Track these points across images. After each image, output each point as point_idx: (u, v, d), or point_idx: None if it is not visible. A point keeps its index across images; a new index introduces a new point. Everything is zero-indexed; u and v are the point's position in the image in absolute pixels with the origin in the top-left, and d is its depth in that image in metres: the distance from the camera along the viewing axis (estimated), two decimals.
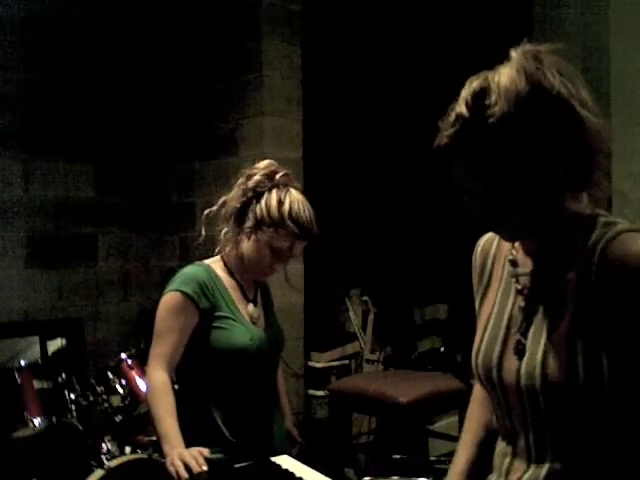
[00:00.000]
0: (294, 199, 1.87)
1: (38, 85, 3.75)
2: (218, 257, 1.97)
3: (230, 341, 1.85)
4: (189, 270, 1.90)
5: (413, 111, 4.11)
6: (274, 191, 1.87)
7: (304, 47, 3.82)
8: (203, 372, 1.88)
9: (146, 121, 4.11)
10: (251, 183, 1.88)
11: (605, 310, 1.02)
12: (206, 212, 1.95)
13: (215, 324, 1.85)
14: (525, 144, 1.02)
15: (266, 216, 1.84)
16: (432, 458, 3.21)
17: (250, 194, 1.87)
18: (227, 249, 1.95)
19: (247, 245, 1.89)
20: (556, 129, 1.01)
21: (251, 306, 1.95)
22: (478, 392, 1.38)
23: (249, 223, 1.87)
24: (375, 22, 4.20)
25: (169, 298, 1.84)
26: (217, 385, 1.88)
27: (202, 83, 4.03)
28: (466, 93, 1.05)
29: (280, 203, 1.85)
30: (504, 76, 1.03)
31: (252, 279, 2.01)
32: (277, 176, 1.89)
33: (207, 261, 1.96)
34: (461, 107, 1.04)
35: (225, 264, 1.95)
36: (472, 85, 1.05)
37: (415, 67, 4.16)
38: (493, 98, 1.01)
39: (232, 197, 1.91)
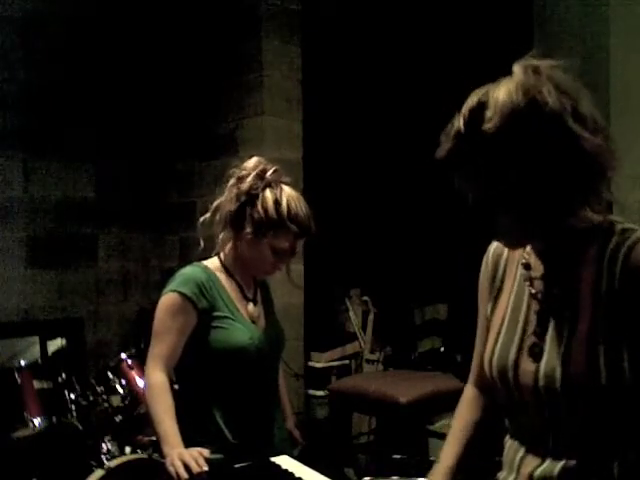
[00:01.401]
0: (289, 197, 1.86)
1: (38, 85, 3.75)
2: (216, 257, 1.98)
3: (230, 340, 1.85)
4: (187, 271, 1.90)
5: (413, 111, 4.11)
6: (267, 191, 1.85)
7: (304, 47, 3.83)
8: (203, 372, 1.88)
9: (146, 121, 4.11)
10: (243, 186, 1.85)
11: (628, 315, 1.05)
12: (201, 220, 1.93)
13: (214, 324, 1.85)
14: (518, 158, 1.04)
15: (265, 219, 1.83)
16: (432, 458, 3.20)
17: (244, 198, 1.85)
18: (225, 251, 1.95)
19: (248, 248, 1.89)
20: (548, 145, 1.03)
21: (251, 305, 1.95)
22: (469, 392, 1.39)
23: (248, 228, 1.85)
24: (375, 22, 4.19)
25: (167, 299, 1.83)
26: (217, 385, 1.88)
27: (202, 83, 4.03)
28: (465, 108, 1.07)
29: (277, 204, 1.84)
30: (502, 91, 1.05)
31: (252, 278, 2.01)
32: (267, 174, 1.87)
33: (205, 261, 1.96)
34: (459, 122, 1.07)
35: (223, 264, 1.95)
36: (472, 99, 1.07)
37: (415, 67, 4.16)
38: (489, 113, 1.03)
39: (225, 201, 1.88)
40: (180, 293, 1.82)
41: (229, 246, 1.94)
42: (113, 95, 4.01)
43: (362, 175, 4.31)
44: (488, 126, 1.03)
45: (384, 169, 4.34)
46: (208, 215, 1.92)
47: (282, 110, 3.73)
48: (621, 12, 2.88)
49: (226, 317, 1.87)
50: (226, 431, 1.84)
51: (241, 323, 1.89)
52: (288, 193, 1.87)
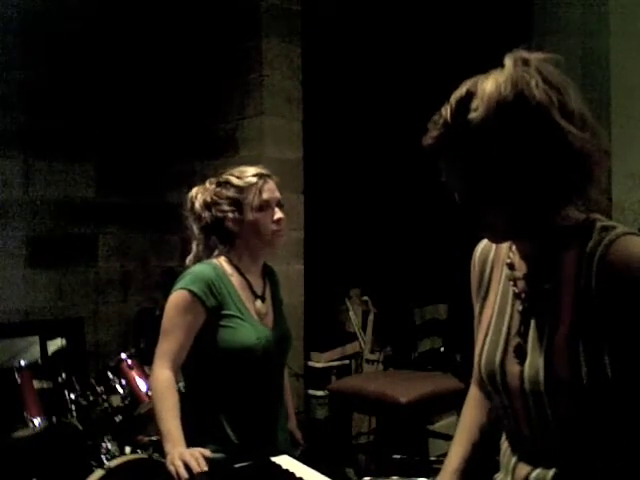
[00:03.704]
0: (216, 179, 1.99)
1: (38, 85, 3.75)
2: (224, 256, 1.98)
3: (237, 340, 1.85)
4: (197, 268, 1.91)
5: (413, 111, 4.10)
6: (209, 189, 1.97)
7: (304, 47, 3.82)
8: (210, 371, 1.89)
9: (146, 121, 4.11)
10: (197, 205, 1.96)
11: (606, 314, 1.03)
12: (187, 261, 2.00)
13: (222, 323, 1.86)
14: (502, 149, 1.03)
15: (227, 200, 1.93)
16: (432, 458, 3.21)
17: (201, 217, 1.95)
18: (228, 252, 1.97)
19: (244, 231, 1.93)
20: (533, 138, 1.02)
21: (259, 302, 1.96)
22: (474, 392, 1.38)
23: (229, 223, 1.93)
24: (375, 22, 4.20)
25: (176, 297, 1.85)
26: (223, 384, 1.88)
27: (202, 83, 4.03)
28: (453, 97, 1.07)
29: (220, 184, 1.95)
30: (491, 82, 1.04)
31: (261, 274, 2.02)
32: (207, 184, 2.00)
33: (215, 259, 1.97)
34: (446, 110, 1.06)
35: (232, 262, 1.96)
36: (460, 89, 1.07)
37: (415, 67, 4.16)
38: (475, 103, 1.03)
39: (196, 234, 1.98)
40: (189, 291, 1.84)
41: (228, 248, 1.97)
42: (113, 95, 4.00)
43: (362, 175, 4.31)
44: (473, 116, 1.02)
45: (384, 169, 4.34)
46: (192, 255, 1.99)
47: (282, 110, 3.73)
48: (621, 12, 2.88)
49: (234, 316, 1.88)
50: (229, 431, 1.85)
51: (249, 322, 1.89)
52: (211, 181, 2.00)
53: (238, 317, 1.88)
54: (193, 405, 1.86)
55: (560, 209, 1.08)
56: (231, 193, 1.93)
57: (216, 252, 1.98)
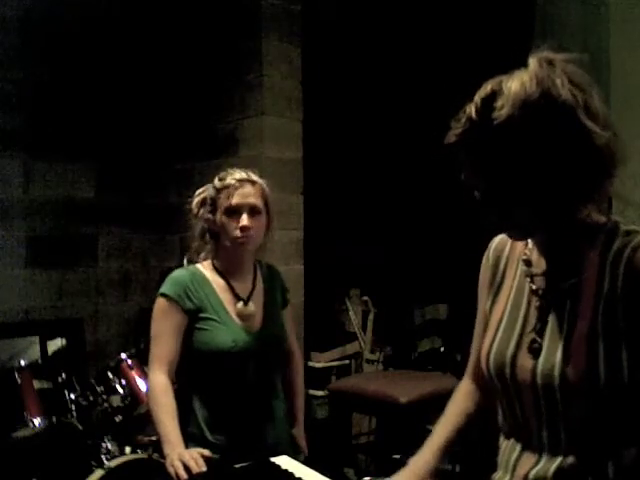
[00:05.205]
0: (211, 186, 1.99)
1: (38, 85, 3.75)
2: (209, 259, 2.00)
3: (211, 343, 1.86)
4: (174, 273, 1.94)
5: (413, 111, 4.11)
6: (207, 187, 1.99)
7: (304, 47, 3.82)
8: (188, 372, 1.91)
9: (146, 121, 4.11)
10: (194, 203, 1.98)
11: (630, 316, 1.05)
12: (185, 262, 2.02)
13: (199, 325, 1.88)
14: (527, 148, 1.04)
15: (209, 200, 1.94)
16: None
17: (197, 216, 1.98)
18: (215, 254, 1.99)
19: (219, 232, 1.94)
20: (559, 137, 1.03)
21: (240, 305, 1.94)
22: (465, 385, 1.40)
23: (209, 224, 1.95)
24: (375, 22, 4.20)
25: (157, 303, 1.90)
26: (200, 385, 1.90)
27: (202, 83, 4.03)
28: (478, 96, 1.07)
29: (220, 188, 1.94)
30: (516, 81, 1.05)
31: (251, 277, 2.01)
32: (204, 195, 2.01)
33: (198, 264, 1.99)
34: (471, 108, 1.07)
35: (214, 264, 1.98)
36: (485, 88, 1.08)
37: (415, 67, 4.16)
38: (501, 102, 1.04)
39: (195, 234, 1.99)
40: (166, 296, 1.87)
41: (217, 250, 1.98)
42: (113, 95, 4.00)
43: (362, 175, 4.31)
44: (499, 114, 1.03)
45: (384, 169, 4.35)
46: (187, 258, 2.01)
47: (282, 110, 3.73)
48: (621, 12, 2.88)
49: (211, 319, 1.89)
50: (207, 431, 1.85)
51: (226, 325, 1.89)
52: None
53: (215, 320, 1.89)
54: (177, 404, 1.87)
55: (581, 205, 1.09)
56: (211, 193, 1.94)
57: (202, 255, 1.98)
